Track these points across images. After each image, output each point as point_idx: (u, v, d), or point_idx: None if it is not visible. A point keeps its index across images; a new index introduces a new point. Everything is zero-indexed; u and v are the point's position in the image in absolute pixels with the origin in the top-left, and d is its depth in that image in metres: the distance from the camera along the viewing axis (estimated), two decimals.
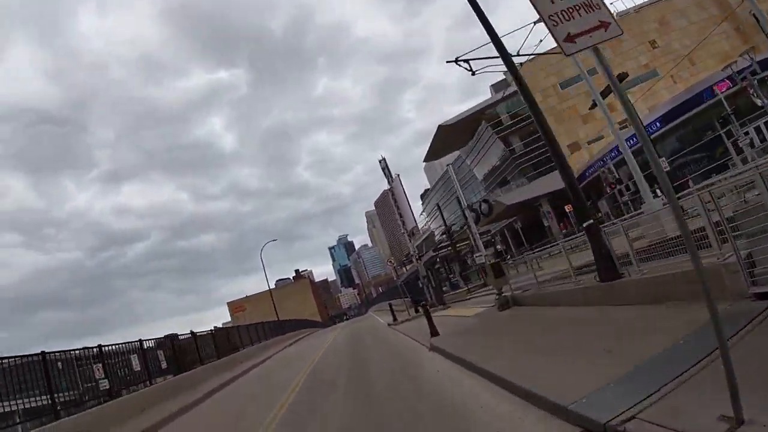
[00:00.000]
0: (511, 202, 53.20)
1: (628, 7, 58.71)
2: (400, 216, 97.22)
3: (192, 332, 20.55)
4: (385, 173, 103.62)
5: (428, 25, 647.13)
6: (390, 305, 32.15)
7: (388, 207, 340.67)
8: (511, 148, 63.74)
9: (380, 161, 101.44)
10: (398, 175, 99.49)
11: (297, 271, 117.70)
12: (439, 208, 59.97)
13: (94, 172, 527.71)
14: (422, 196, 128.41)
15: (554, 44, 4.27)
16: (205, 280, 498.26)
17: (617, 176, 33.35)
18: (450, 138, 69.81)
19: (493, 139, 64.69)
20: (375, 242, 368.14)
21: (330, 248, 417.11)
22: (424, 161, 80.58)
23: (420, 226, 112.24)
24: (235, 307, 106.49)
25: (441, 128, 66.69)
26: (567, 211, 45.26)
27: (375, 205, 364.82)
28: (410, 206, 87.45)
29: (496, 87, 69.27)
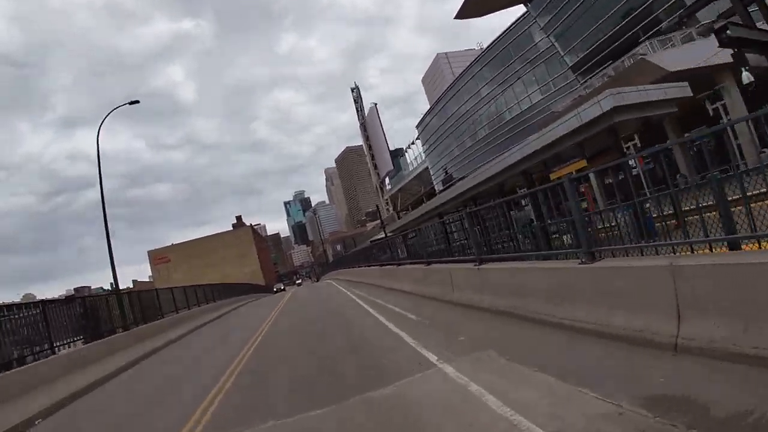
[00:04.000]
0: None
1: None
2: (372, 158, 79.31)
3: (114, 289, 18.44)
4: (357, 106, 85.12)
5: None
6: None
7: (349, 164, 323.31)
8: None
9: (353, 90, 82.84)
10: (375, 104, 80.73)
11: (238, 218, 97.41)
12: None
13: (49, 116, 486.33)
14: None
15: None
16: (159, 230, 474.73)
17: None
18: None
19: None
20: (333, 200, 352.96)
21: (285, 203, 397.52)
22: (457, 17, 51.76)
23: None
24: (157, 257, 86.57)
25: None
26: None
27: (336, 162, 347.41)
28: (387, 144, 69.27)
29: None
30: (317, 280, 75.52)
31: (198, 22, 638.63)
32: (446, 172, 55.57)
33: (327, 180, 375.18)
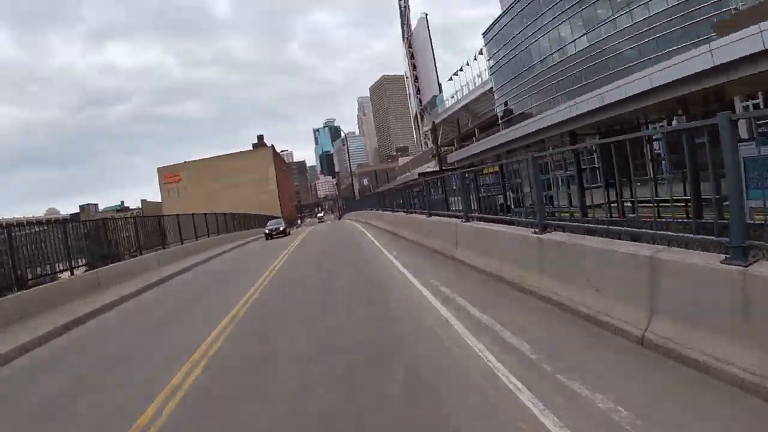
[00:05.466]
0: None
1: None
2: (416, 79, 68.36)
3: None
4: (402, 17, 72.65)
5: None
6: None
7: (384, 93, 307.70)
8: None
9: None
10: (425, 15, 68.49)
11: (259, 137, 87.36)
12: None
13: (80, 27, 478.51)
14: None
15: None
16: (188, 149, 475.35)
17: None
18: None
19: None
20: (363, 132, 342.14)
21: (315, 130, 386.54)
22: None
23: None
24: (166, 175, 78.79)
25: None
26: None
27: (370, 91, 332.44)
28: (435, 63, 58.18)
29: None
30: (339, 218, 66.38)
31: None
32: (506, 104, 44.94)
33: (359, 110, 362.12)
